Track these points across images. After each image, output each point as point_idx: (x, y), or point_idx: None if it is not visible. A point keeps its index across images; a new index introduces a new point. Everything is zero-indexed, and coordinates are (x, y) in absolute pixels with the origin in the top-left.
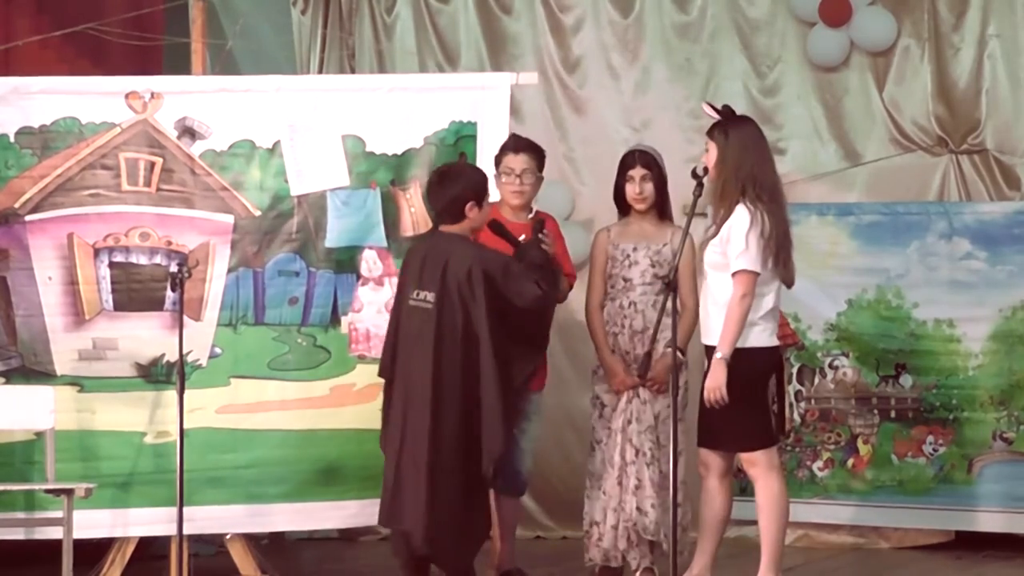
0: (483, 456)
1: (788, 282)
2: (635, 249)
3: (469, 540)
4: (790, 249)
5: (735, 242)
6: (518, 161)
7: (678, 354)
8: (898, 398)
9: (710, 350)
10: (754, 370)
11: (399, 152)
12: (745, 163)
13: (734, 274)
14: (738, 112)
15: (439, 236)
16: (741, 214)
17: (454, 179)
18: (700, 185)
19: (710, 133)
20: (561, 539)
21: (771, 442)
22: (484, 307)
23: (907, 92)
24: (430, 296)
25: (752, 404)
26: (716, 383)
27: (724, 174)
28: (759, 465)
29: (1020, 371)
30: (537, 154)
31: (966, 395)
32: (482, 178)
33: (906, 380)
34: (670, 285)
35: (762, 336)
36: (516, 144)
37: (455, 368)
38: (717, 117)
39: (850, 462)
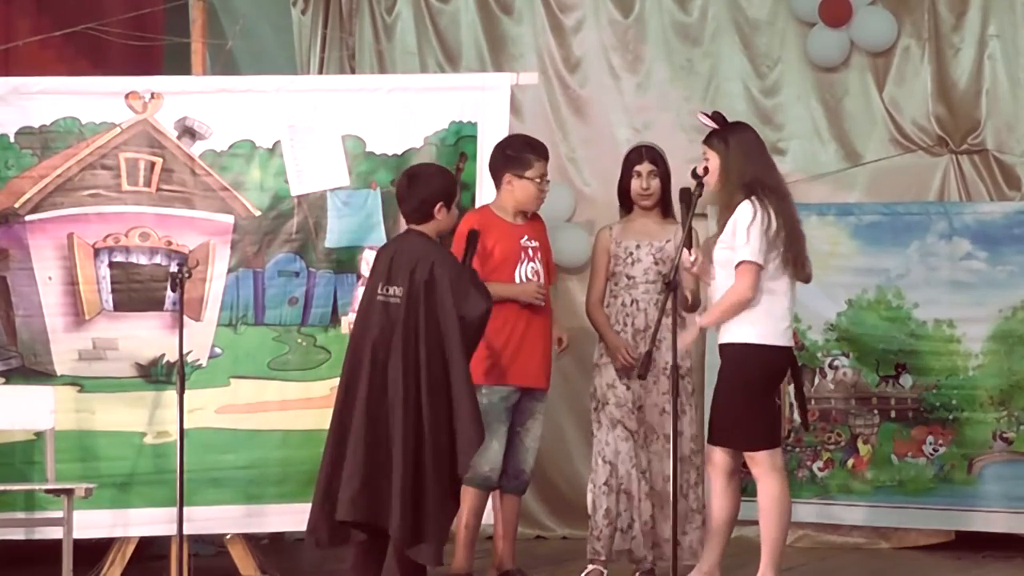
0: (459, 455)
1: (805, 279)
2: (638, 246)
3: (437, 537)
4: (802, 246)
5: (738, 235)
6: (546, 167)
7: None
8: (898, 398)
9: (723, 349)
10: (769, 367)
11: (399, 152)
12: (747, 170)
13: (737, 266)
14: (738, 113)
15: (410, 235)
16: (744, 208)
17: (425, 181)
18: (700, 185)
19: (708, 142)
20: (562, 539)
21: (775, 444)
22: (450, 307)
23: (907, 92)
24: (398, 291)
25: (761, 403)
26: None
27: (729, 182)
28: (761, 466)
29: (1020, 371)
30: None
31: (966, 395)
32: (451, 181)
33: (906, 380)
34: (670, 285)
35: (778, 335)
36: (544, 149)
37: (426, 364)
38: (714, 125)
39: (850, 462)
